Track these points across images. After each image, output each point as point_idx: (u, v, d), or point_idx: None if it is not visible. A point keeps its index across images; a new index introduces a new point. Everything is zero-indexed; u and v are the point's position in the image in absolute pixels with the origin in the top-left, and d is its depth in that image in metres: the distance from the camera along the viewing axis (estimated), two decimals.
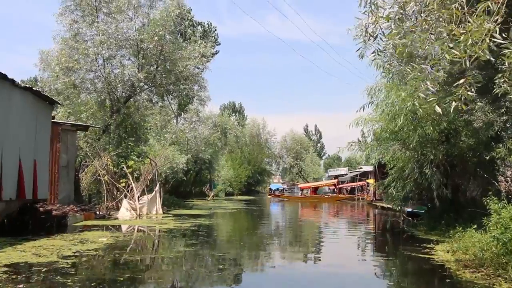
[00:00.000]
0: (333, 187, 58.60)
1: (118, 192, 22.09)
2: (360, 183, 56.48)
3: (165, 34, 26.53)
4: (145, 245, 12.29)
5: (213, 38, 49.82)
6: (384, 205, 33.60)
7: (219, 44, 49.67)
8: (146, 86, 28.42)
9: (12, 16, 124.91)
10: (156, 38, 26.02)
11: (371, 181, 44.47)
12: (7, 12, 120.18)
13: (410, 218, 17.72)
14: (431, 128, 12.41)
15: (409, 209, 20.79)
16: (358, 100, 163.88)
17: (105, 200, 21.00)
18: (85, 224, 16.05)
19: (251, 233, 16.70)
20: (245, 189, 75.65)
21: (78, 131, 20.84)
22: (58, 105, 29.51)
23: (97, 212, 19.44)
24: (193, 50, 27.87)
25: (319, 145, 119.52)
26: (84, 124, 21.43)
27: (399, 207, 14.64)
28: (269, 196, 68.77)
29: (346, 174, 75.53)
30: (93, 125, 23.07)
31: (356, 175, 62.70)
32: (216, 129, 49.35)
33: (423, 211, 18.05)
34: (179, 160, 36.60)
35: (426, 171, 12.17)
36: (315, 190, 59.92)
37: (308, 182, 79.99)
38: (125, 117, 29.28)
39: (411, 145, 13.22)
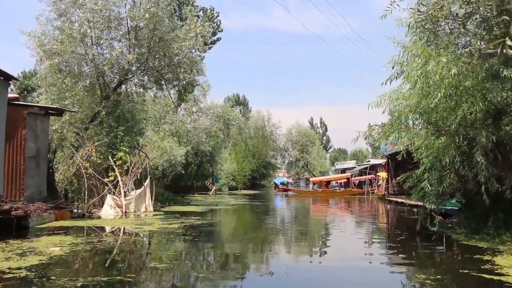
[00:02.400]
0: (346, 180, 55.66)
1: (102, 187, 19.48)
2: (369, 176, 53.81)
3: (158, 11, 23.81)
4: (99, 262, 8.89)
5: (215, 24, 47.12)
6: (398, 200, 30.93)
7: (222, 30, 46.93)
8: (137, 70, 25.77)
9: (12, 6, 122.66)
10: (147, 15, 23.36)
11: (383, 174, 41.72)
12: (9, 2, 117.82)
13: (440, 217, 14.98)
14: (481, 105, 9.68)
15: (433, 206, 18.10)
16: (363, 94, 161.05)
17: (86, 196, 18.40)
18: (54, 225, 13.50)
19: (254, 241, 12.73)
20: (249, 183, 73.23)
21: (52, 117, 18.15)
22: (42, 92, 27.25)
23: (76, 210, 16.90)
24: (189, 30, 25.09)
25: (324, 138, 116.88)
26: (58, 107, 18.69)
27: (434, 205, 11.83)
28: (276, 190, 66.07)
29: (354, 167, 72.89)
30: (69, 109, 20.31)
31: (365, 168, 59.98)
32: (218, 119, 46.71)
33: (456, 208, 15.36)
34: (177, 152, 34.06)
35: (476, 159, 9.41)
36: (327, 184, 57.08)
37: (314, 176, 77.40)
38: (116, 105, 26.71)
39: (450, 128, 10.51)
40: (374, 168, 57.08)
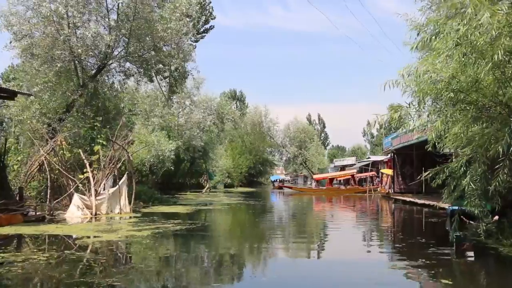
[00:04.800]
0: (346, 178, 52.88)
1: (69, 186, 16.79)
2: (371, 173, 51.20)
3: None
4: None
5: (207, 11, 44.43)
6: (405, 198, 28.33)
7: (214, 18, 44.16)
8: (119, 55, 23.06)
9: None
10: None
11: (387, 171, 39.03)
12: None
13: (471, 222, 12.33)
14: None
15: (455, 207, 15.47)
16: (362, 93, 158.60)
17: (48, 195, 15.68)
18: None
19: (241, 259, 9.67)
20: (246, 181, 70.60)
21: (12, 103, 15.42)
22: (10, 79, 24.55)
23: (34, 213, 14.20)
24: (174, 9, 22.30)
25: (323, 135, 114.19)
26: (6, 88, 15.85)
27: (478, 208, 9.08)
28: (277, 189, 63.33)
29: (354, 164, 70.22)
30: (21, 91, 17.45)
31: (366, 165, 57.36)
32: (211, 113, 44.06)
33: (485, 210, 12.70)
34: (165, 147, 31.38)
35: None
36: (331, 181, 54.29)
37: (313, 173, 74.79)
38: (95, 93, 24.01)
39: (501, 108, 7.88)
40: (375, 165, 54.53)
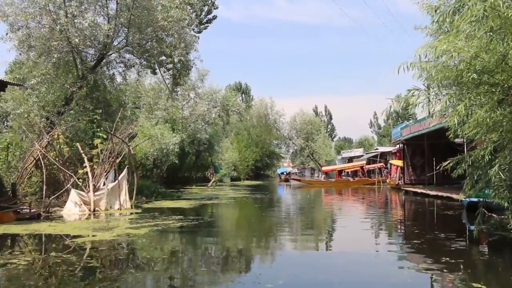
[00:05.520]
0: (360, 169, 51.91)
1: (66, 181, 16.09)
2: (379, 165, 50.30)
3: None
4: None
5: (209, 2, 43.47)
6: (417, 190, 27.46)
7: (217, 8, 43.17)
8: (119, 45, 22.30)
9: None
10: None
11: (397, 162, 38.10)
12: None
13: (492, 214, 11.47)
14: None
15: (473, 199, 14.60)
16: (367, 85, 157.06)
17: (44, 192, 14.96)
18: None
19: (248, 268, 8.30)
20: (252, 174, 69.88)
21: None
22: (7, 72, 23.86)
23: (28, 210, 13.51)
24: None
25: (329, 126, 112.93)
26: None
27: (508, 201, 8.23)
28: (283, 182, 62.53)
29: (361, 155, 69.27)
30: (11, 82, 16.71)
31: (375, 156, 56.46)
32: (215, 104, 43.27)
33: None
34: (169, 140, 30.65)
35: None
36: (340, 173, 53.32)
37: (320, 165, 73.94)
38: (95, 86, 23.29)
39: None
40: (383, 156, 53.64)
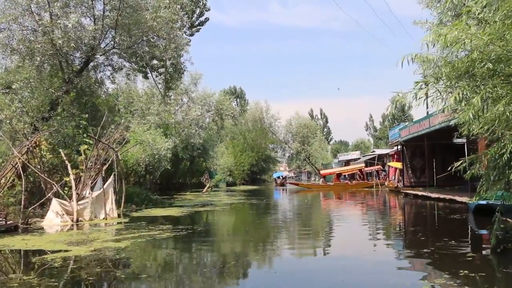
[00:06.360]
0: (359, 172, 50.98)
1: (48, 190, 15.13)
2: (377, 167, 49.46)
3: None
4: None
5: (201, 3, 42.61)
6: (417, 193, 26.61)
7: (209, 10, 42.29)
8: (106, 48, 21.41)
9: None
10: None
11: (396, 164, 37.23)
12: None
13: (508, 219, 10.57)
14: None
15: (482, 202, 13.77)
16: (362, 87, 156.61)
17: (22, 202, 13.99)
18: None
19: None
20: (248, 179, 69.03)
21: None
22: None
23: (4, 222, 12.54)
24: None
25: (325, 130, 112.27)
26: None
27: None
28: (279, 186, 61.68)
29: (359, 158, 68.57)
30: None
31: (372, 159, 55.65)
32: (209, 108, 42.41)
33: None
34: (161, 145, 29.71)
35: None
36: (338, 176, 52.32)
37: (317, 169, 73.14)
38: (82, 90, 22.42)
39: None
40: (380, 158, 52.86)
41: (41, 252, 9.39)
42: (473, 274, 6.83)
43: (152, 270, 8.23)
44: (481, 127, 7.81)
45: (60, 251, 9.49)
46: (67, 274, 7.63)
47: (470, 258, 8.20)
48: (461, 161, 8.20)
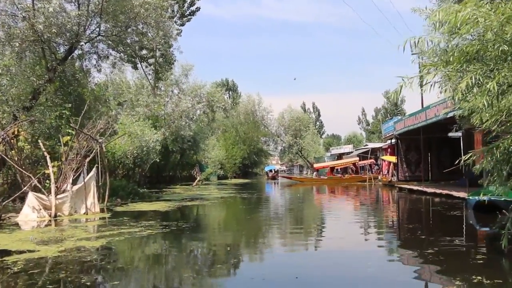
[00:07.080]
0: (353, 165, 50.34)
1: (24, 183, 14.25)
2: (369, 161, 48.93)
3: None
4: None
5: None
6: (413, 187, 25.99)
7: None
8: (91, 34, 20.49)
9: None
10: None
11: (390, 158, 36.58)
12: None
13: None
14: None
15: (484, 198, 13.05)
16: (355, 82, 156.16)
17: None
18: None
19: None
20: (240, 172, 68.36)
21: None
22: None
23: None
24: None
25: (318, 123, 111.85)
26: None
27: None
28: (271, 180, 60.99)
29: (351, 152, 68.01)
30: None
31: (365, 152, 55.10)
32: (200, 100, 41.50)
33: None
34: (149, 137, 28.84)
35: None
36: (332, 170, 51.61)
37: (309, 162, 72.61)
38: (65, 80, 21.52)
39: None
40: (373, 152, 52.32)
41: (4, 253, 8.42)
42: (489, 281, 6.04)
43: (125, 275, 7.21)
44: (493, 116, 7.09)
45: (26, 251, 8.53)
46: (23, 281, 6.54)
47: (481, 261, 7.45)
48: (469, 154, 7.47)
